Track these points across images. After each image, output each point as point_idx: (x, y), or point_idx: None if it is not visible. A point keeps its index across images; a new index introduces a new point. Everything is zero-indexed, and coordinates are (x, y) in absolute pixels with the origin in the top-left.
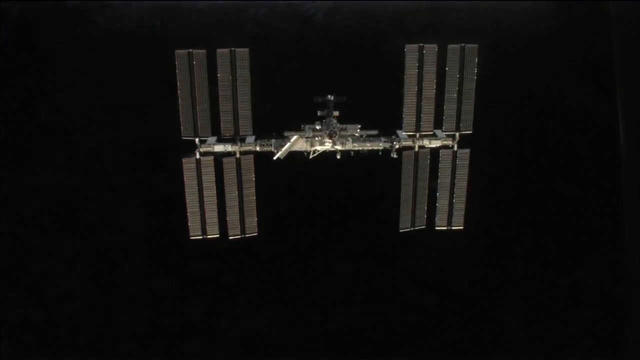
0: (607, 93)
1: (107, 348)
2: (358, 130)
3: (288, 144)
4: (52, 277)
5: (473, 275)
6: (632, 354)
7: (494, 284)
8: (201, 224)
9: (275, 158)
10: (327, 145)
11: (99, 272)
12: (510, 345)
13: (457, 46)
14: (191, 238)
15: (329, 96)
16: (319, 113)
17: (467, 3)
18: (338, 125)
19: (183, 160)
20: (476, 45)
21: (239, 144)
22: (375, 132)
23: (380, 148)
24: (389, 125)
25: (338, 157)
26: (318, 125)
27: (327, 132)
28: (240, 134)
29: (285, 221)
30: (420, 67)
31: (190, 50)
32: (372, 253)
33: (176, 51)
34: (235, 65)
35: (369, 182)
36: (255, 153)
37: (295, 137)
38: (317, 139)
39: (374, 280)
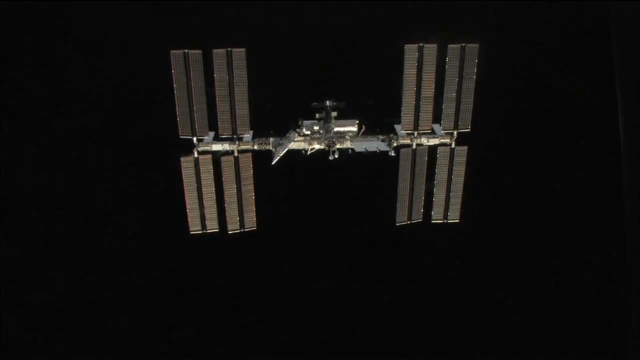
0: (607, 93)
1: (107, 345)
2: (355, 126)
3: (286, 149)
4: (52, 274)
5: (471, 274)
6: (632, 354)
7: (493, 284)
8: (201, 219)
9: (273, 163)
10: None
11: (99, 269)
12: (509, 345)
13: (458, 46)
14: (191, 233)
15: (327, 102)
16: (317, 115)
17: (467, 3)
18: (335, 131)
19: (181, 159)
20: (477, 45)
21: (237, 142)
22: (374, 137)
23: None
24: (387, 124)
25: (336, 156)
26: (316, 125)
27: (326, 142)
28: (238, 133)
29: (283, 217)
30: (420, 67)
31: (186, 50)
32: (371, 248)
33: (171, 51)
34: (232, 65)
35: (367, 179)
36: (253, 152)
37: (291, 143)
38: (314, 139)
39: (373, 275)
